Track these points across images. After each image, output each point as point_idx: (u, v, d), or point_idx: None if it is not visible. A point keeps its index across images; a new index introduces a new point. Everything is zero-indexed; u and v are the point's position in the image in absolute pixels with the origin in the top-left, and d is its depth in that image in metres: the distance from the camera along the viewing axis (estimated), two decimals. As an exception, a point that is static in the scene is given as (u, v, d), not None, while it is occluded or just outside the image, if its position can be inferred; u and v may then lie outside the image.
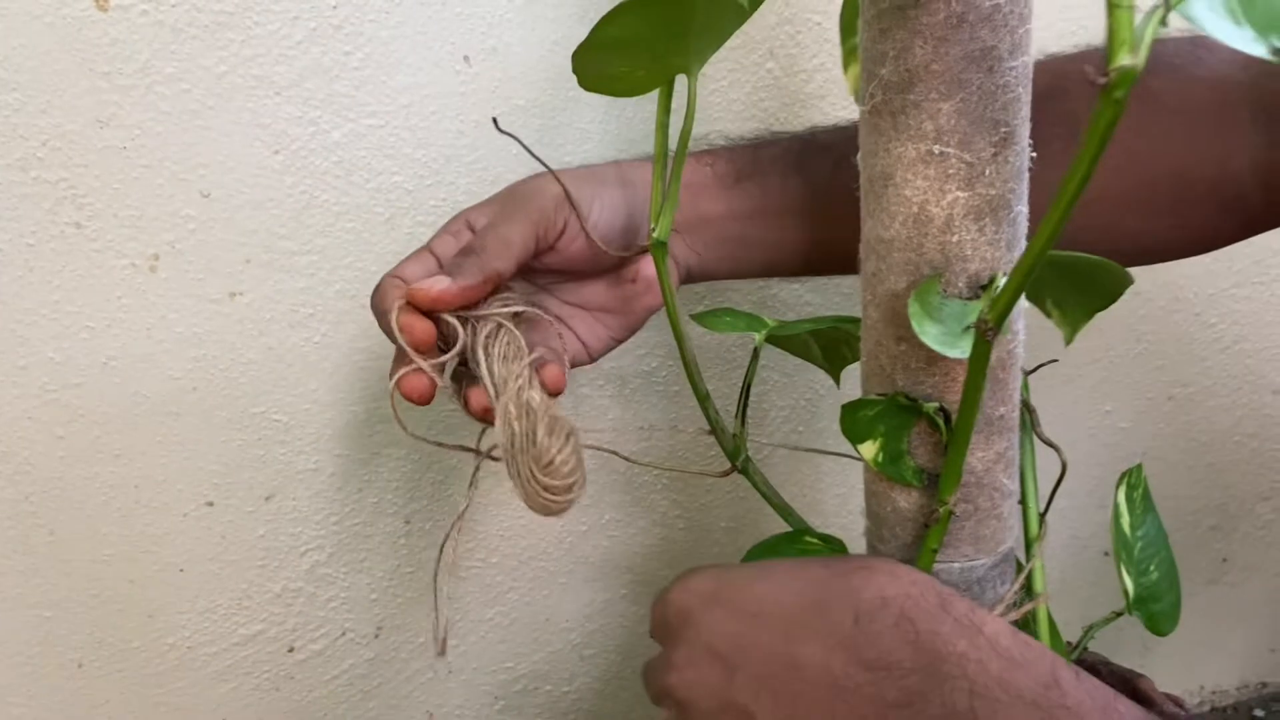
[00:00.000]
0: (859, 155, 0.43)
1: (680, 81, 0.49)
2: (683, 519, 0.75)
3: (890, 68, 0.40)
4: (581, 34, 0.61)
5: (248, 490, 0.64)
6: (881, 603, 0.40)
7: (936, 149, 0.39)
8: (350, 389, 0.64)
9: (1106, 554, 0.87)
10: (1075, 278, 0.47)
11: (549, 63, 0.62)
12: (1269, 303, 0.85)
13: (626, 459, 0.58)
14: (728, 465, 0.57)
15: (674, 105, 0.49)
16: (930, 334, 0.37)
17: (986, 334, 0.36)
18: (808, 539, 0.53)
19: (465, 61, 0.60)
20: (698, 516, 0.76)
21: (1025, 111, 0.40)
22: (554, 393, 0.49)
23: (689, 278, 0.57)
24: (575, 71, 0.46)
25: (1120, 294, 0.46)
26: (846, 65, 0.46)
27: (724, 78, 0.66)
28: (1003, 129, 0.40)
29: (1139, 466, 0.57)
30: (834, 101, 0.68)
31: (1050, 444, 0.51)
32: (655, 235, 0.48)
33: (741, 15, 0.45)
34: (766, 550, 0.54)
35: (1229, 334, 0.85)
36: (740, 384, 0.58)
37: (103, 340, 0.58)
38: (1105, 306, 0.47)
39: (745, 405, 0.56)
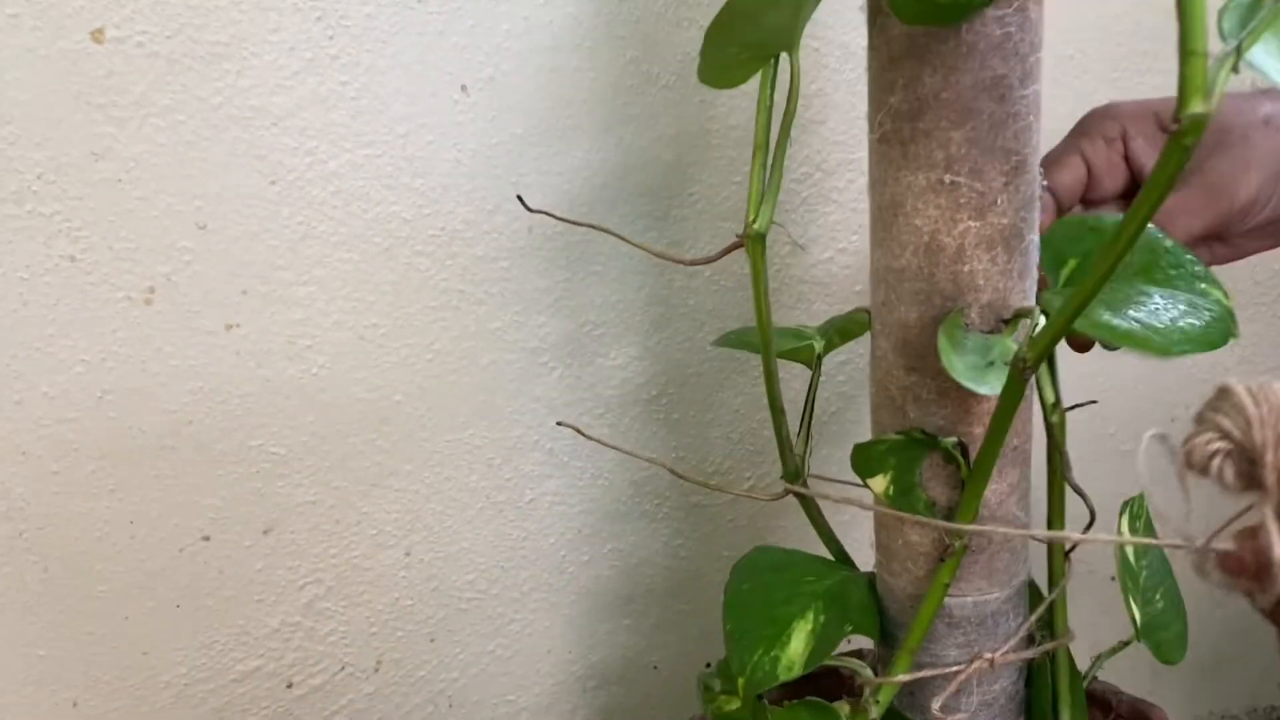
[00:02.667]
0: (867, 183, 0.42)
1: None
2: (685, 548, 0.74)
3: (899, 96, 0.39)
4: (577, 62, 0.62)
5: (245, 524, 0.63)
6: None
7: (947, 178, 0.39)
8: (348, 421, 0.63)
9: (1113, 579, 0.86)
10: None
11: (547, 91, 0.62)
12: (1271, 323, 0.85)
13: (682, 477, 0.55)
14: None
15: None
16: (959, 369, 0.36)
17: (1025, 372, 0.35)
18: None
19: (463, 91, 0.60)
20: (700, 545, 0.75)
21: (1036, 140, 0.40)
22: None
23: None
24: (701, 57, 0.44)
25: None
26: None
27: (723, 103, 0.66)
28: (1014, 158, 0.39)
29: (1141, 496, 0.56)
30: (833, 127, 0.67)
31: (1079, 492, 0.50)
32: (756, 226, 0.45)
33: None
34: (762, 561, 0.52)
35: (1232, 355, 0.85)
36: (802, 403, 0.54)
37: (98, 374, 0.57)
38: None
39: (810, 422, 0.52)
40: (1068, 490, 0.48)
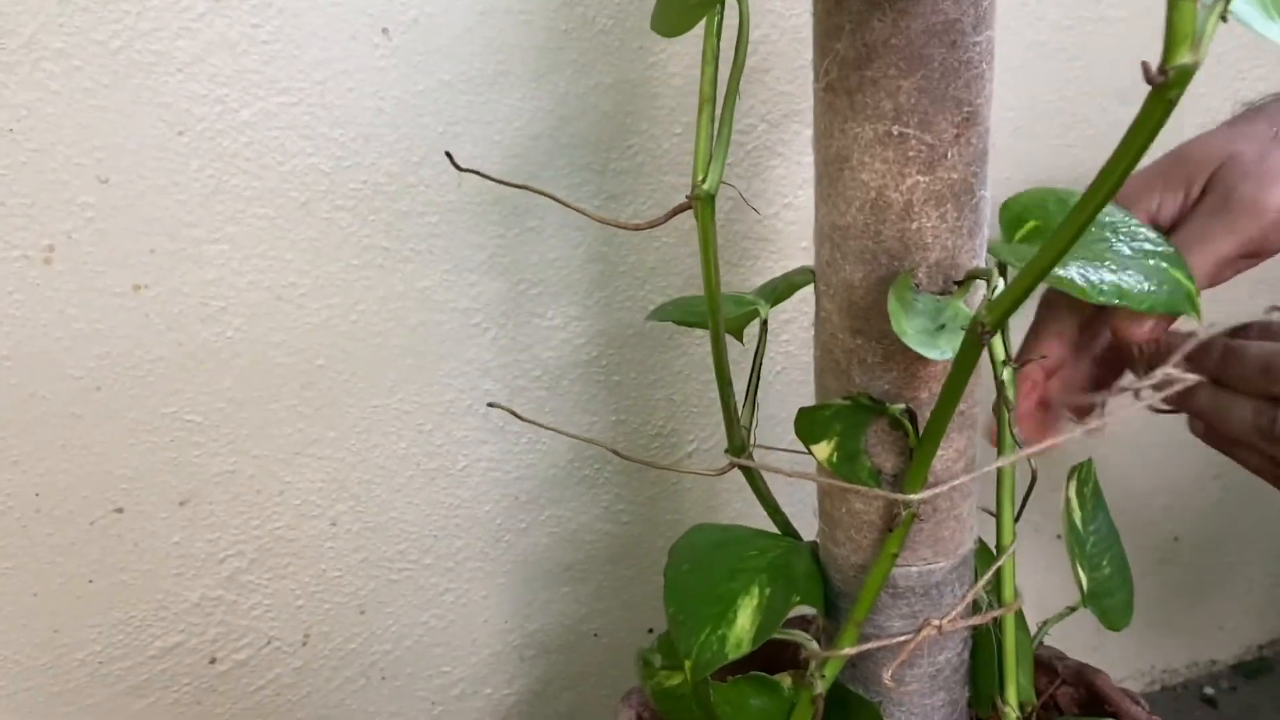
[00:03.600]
0: (813, 136, 0.40)
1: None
2: (627, 513, 0.72)
3: (846, 42, 0.37)
4: (510, 4, 0.58)
5: (160, 495, 0.60)
6: None
7: (895, 129, 0.37)
8: (267, 386, 0.60)
9: (1058, 537, 0.85)
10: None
11: (475, 34, 0.58)
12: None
13: (622, 455, 0.53)
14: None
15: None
16: (909, 334, 0.34)
17: (983, 336, 0.33)
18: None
19: (384, 34, 0.56)
20: (642, 510, 0.73)
21: (989, 90, 0.38)
22: None
23: None
24: (656, 6, 0.41)
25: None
26: None
27: (663, 49, 0.62)
28: (965, 109, 0.37)
29: (1089, 462, 0.55)
30: (779, 76, 0.64)
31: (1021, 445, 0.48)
32: (705, 187, 0.41)
33: None
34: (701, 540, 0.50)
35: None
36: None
37: (-7, 339, 0.54)
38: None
39: (756, 390, 0.49)
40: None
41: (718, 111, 0.42)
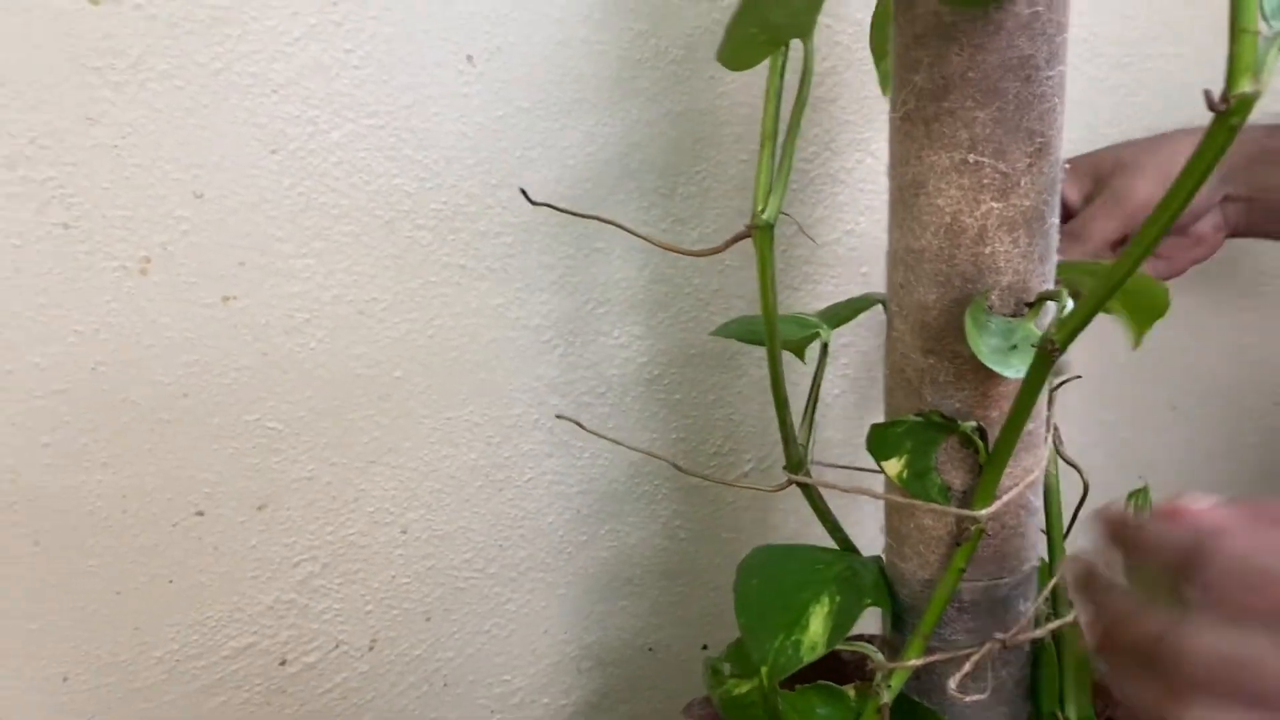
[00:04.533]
0: (888, 162, 0.42)
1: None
2: (684, 529, 0.74)
3: (924, 75, 0.38)
4: (585, 34, 0.60)
5: (240, 500, 0.62)
6: None
7: (971, 158, 0.38)
8: (346, 396, 0.62)
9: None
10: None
11: (553, 63, 0.60)
12: (1270, 313, 0.85)
13: (683, 470, 0.56)
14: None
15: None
16: (984, 352, 0.36)
17: (1053, 354, 0.34)
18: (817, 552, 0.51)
19: (468, 61, 0.58)
20: (699, 527, 0.74)
21: (1060, 121, 0.39)
22: None
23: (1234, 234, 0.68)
24: (725, 38, 0.42)
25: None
26: (885, 87, 0.45)
27: (733, 79, 0.65)
28: (1038, 139, 0.38)
29: (1146, 489, 0.56)
30: (844, 106, 0.66)
31: (1072, 464, 0.50)
32: (764, 217, 0.43)
33: None
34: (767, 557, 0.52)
35: (1231, 343, 0.84)
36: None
37: (91, 345, 0.56)
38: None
39: (814, 411, 0.51)
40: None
41: (778, 147, 0.44)
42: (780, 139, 0.45)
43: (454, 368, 0.64)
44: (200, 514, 0.61)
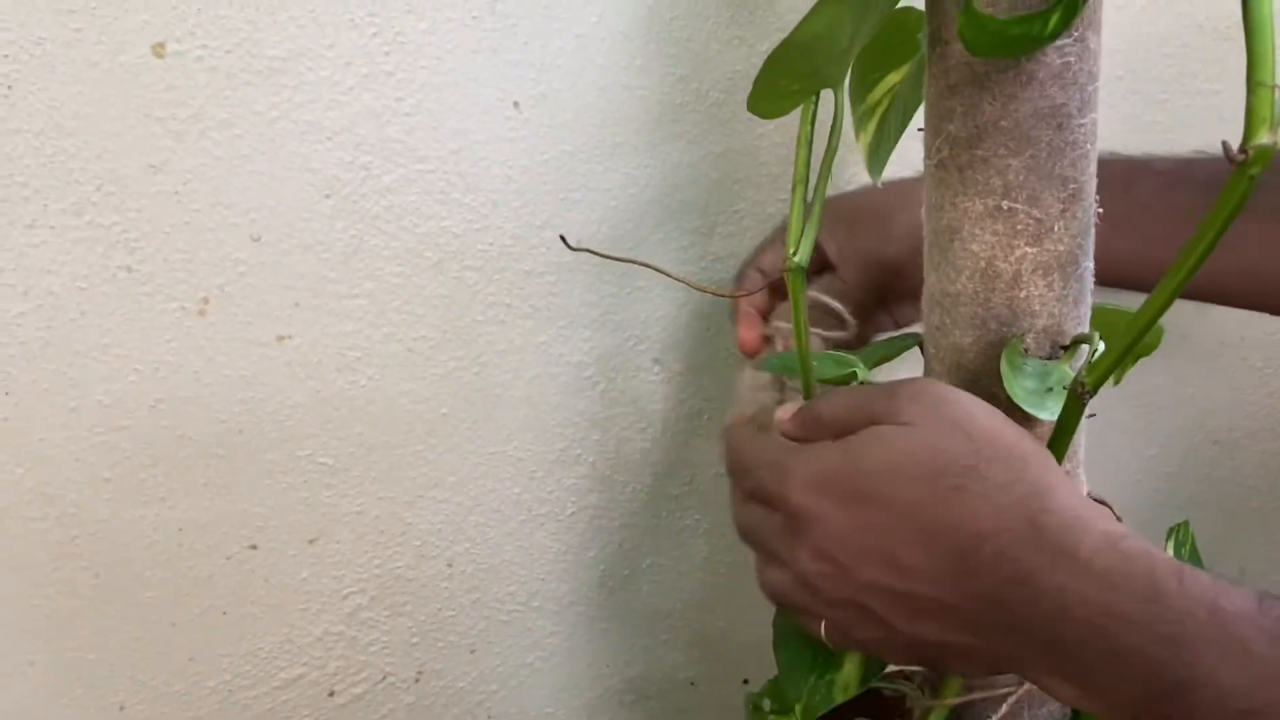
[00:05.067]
0: (923, 208, 0.43)
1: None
2: (724, 564, 0.75)
3: (958, 124, 0.39)
4: (627, 80, 0.62)
5: (291, 533, 0.64)
6: (977, 540, 0.38)
7: (1005, 204, 0.39)
8: (395, 432, 0.64)
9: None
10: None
11: (596, 108, 0.62)
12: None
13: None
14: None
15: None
16: (1020, 395, 0.37)
17: (1083, 397, 0.35)
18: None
19: (515, 107, 0.60)
20: (739, 561, 0.75)
21: (1093, 168, 0.40)
22: None
23: None
24: (755, 87, 0.44)
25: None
26: (859, 132, 0.46)
27: (771, 121, 0.66)
28: (1071, 185, 0.39)
29: (1186, 524, 0.56)
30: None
31: (1101, 501, 0.50)
32: (796, 260, 0.45)
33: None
34: None
35: (1275, 379, 0.84)
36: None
37: (151, 383, 0.58)
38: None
39: None
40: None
41: (810, 192, 0.45)
42: (812, 183, 0.46)
43: (499, 404, 0.66)
44: (254, 547, 0.63)
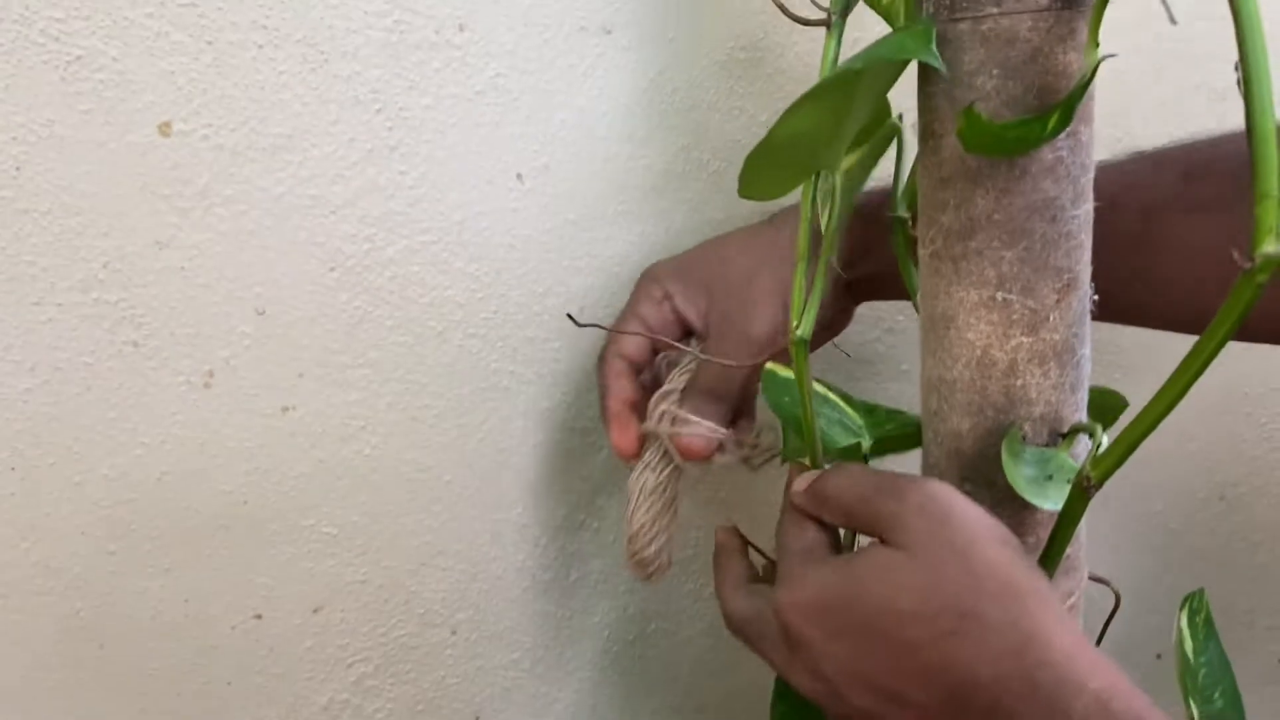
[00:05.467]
0: (919, 295, 0.43)
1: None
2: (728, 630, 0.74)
3: (951, 216, 0.40)
4: (630, 151, 0.63)
5: (296, 602, 0.64)
6: (973, 687, 0.37)
7: (999, 295, 0.40)
8: (399, 500, 0.64)
9: (1159, 656, 0.85)
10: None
11: (599, 178, 0.63)
12: None
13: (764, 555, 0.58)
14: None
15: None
16: (1021, 484, 0.37)
17: (1089, 490, 0.35)
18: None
19: (518, 179, 0.61)
20: (744, 623, 0.75)
21: (1087, 257, 0.40)
22: (687, 457, 0.58)
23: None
24: (742, 176, 0.44)
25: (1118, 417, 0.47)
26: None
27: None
28: (1066, 275, 0.40)
29: (1201, 592, 0.56)
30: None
31: (1102, 581, 0.50)
32: (799, 333, 0.45)
33: (883, 118, 0.44)
34: None
35: (1282, 432, 0.84)
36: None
37: (157, 456, 0.59)
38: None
39: None
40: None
41: (812, 268, 0.45)
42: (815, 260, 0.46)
43: (502, 470, 0.66)
44: (258, 617, 0.63)
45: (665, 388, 0.59)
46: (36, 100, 0.52)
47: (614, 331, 0.60)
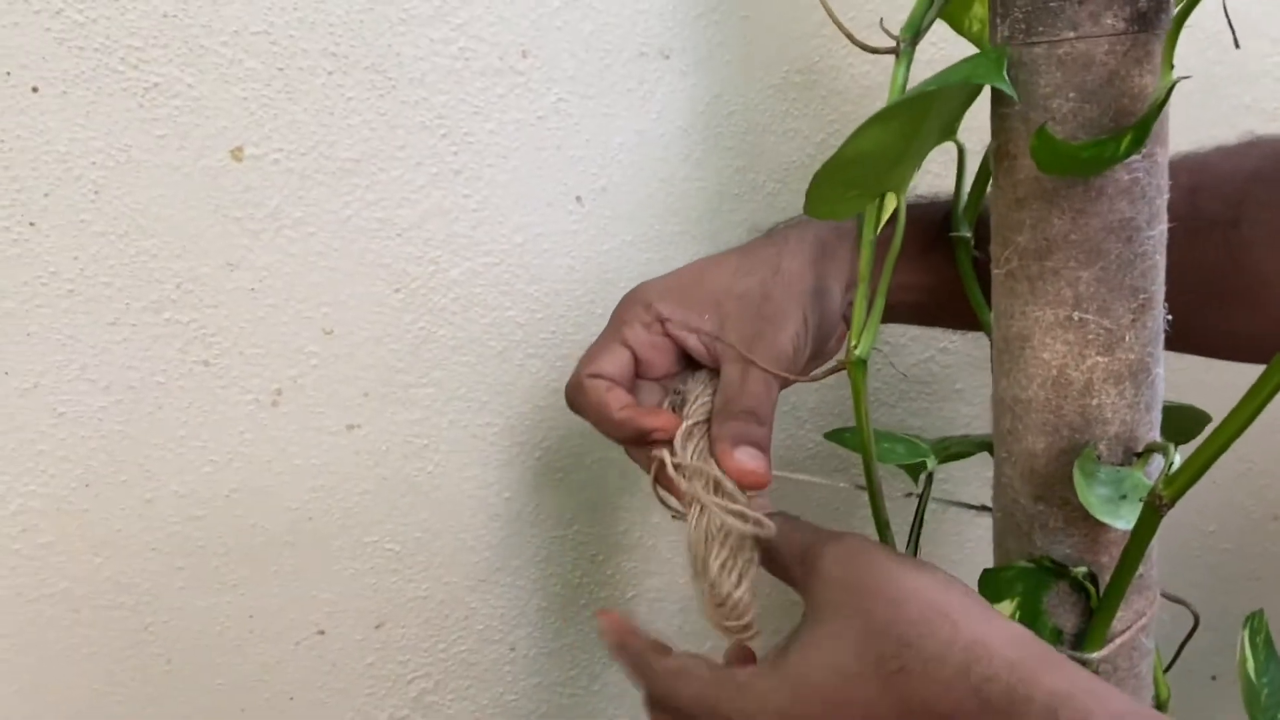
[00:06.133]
0: (992, 314, 0.43)
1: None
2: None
3: (1027, 236, 0.40)
4: (686, 172, 0.63)
5: (358, 618, 0.64)
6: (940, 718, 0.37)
7: (1075, 315, 0.40)
8: (460, 517, 0.65)
9: (1214, 678, 0.84)
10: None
11: (656, 199, 0.64)
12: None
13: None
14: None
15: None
16: (1094, 504, 0.37)
17: (1161, 509, 0.36)
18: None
19: (578, 201, 0.62)
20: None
21: (1162, 277, 0.41)
22: (747, 486, 0.48)
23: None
24: (809, 195, 0.43)
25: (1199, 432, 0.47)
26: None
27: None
28: (1141, 295, 0.40)
29: (1260, 613, 0.55)
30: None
31: (1179, 601, 0.50)
32: (857, 353, 0.45)
33: (949, 133, 0.45)
34: None
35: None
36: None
37: (226, 474, 0.60)
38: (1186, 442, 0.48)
39: (918, 538, 0.53)
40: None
41: (872, 289, 0.46)
42: (875, 281, 0.47)
43: (560, 487, 0.67)
44: (321, 633, 0.64)
45: (689, 422, 0.51)
46: (115, 126, 0.53)
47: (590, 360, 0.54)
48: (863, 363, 0.46)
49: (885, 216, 0.45)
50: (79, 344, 0.55)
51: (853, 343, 0.46)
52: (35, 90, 0.52)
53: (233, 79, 0.54)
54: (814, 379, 0.56)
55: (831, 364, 0.48)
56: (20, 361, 0.55)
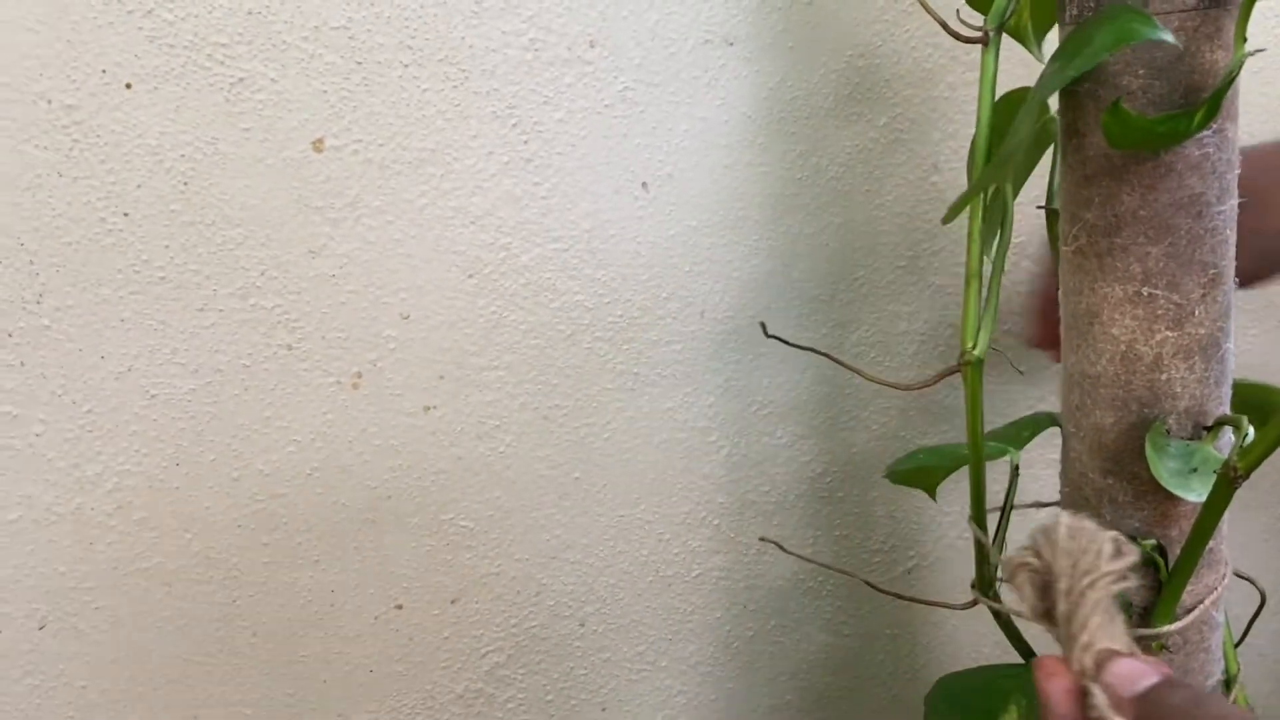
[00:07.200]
0: (1060, 291, 0.44)
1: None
2: (848, 625, 0.76)
3: (1095, 212, 0.41)
4: (750, 158, 0.65)
5: (435, 594, 0.66)
6: None
7: (1145, 290, 0.40)
8: (531, 495, 0.66)
9: (1280, 661, 0.84)
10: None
11: (720, 185, 0.65)
12: None
13: (876, 588, 0.57)
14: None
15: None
16: (1165, 477, 0.38)
17: (1235, 481, 0.36)
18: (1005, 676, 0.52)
19: (644, 188, 0.63)
20: (863, 624, 0.76)
21: (1232, 252, 0.41)
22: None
23: None
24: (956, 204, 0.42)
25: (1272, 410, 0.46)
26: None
27: (889, 192, 0.68)
28: (1211, 270, 0.40)
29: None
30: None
31: (1247, 579, 0.50)
32: (975, 353, 0.45)
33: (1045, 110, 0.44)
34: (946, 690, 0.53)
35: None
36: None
37: (308, 453, 0.62)
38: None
39: (1005, 531, 0.52)
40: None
41: (984, 286, 0.46)
42: (985, 278, 0.46)
43: (627, 468, 0.68)
44: (399, 607, 0.66)
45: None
46: (203, 120, 0.56)
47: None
48: (979, 363, 0.46)
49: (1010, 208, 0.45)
50: (170, 329, 0.58)
51: (969, 343, 0.46)
52: (129, 87, 0.54)
53: (313, 73, 0.56)
54: (924, 385, 0.56)
55: (949, 368, 0.48)
56: (116, 346, 0.57)
